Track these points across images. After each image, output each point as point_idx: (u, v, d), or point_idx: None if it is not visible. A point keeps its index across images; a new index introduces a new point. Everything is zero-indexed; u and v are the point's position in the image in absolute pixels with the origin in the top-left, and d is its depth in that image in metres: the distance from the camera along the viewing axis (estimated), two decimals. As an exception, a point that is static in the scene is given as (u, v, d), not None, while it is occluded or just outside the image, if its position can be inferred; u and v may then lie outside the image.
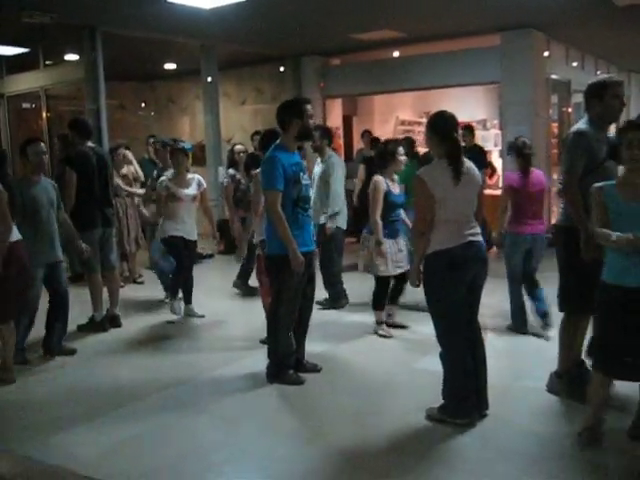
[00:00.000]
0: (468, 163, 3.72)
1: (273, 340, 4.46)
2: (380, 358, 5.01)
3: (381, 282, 5.51)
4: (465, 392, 3.65)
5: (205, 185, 6.35)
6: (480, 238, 3.71)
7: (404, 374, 4.58)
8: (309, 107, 4.37)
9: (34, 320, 5.09)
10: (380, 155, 5.57)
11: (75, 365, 5.02)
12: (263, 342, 4.92)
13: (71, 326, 5.51)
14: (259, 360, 4.74)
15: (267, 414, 4.02)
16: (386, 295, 5.57)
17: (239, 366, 4.90)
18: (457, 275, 3.60)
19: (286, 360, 4.45)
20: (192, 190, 6.14)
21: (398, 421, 3.80)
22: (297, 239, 4.22)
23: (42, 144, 5.10)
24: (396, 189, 5.49)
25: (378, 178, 5.37)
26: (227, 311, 6.46)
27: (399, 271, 5.43)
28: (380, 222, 5.28)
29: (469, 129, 8.92)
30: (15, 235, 4.53)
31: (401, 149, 5.52)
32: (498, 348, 4.91)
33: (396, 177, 5.57)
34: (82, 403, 4.26)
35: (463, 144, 4.41)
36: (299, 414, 4.01)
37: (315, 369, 4.62)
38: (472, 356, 3.68)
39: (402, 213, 5.59)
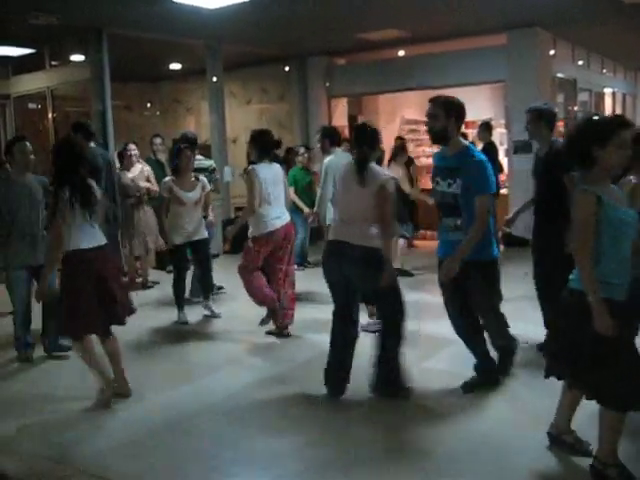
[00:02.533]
0: (375, 170, 4.01)
1: (502, 337, 4.34)
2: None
3: None
4: None
5: (209, 188, 6.35)
6: (356, 241, 3.88)
7: (414, 374, 4.55)
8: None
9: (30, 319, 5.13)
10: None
11: (78, 362, 4.85)
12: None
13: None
14: (266, 360, 4.74)
15: (273, 414, 4.01)
16: None
17: (245, 365, 4.90)
18: None
19: (514, 352, 4.41)
20: (196, 194, 6.08)
21: (405, 424, 3.80)
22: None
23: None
24: None
25: None
26: (234, 310, 6.46)
27: None
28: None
29: (486, 126, 9.15)
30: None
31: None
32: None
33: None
34: (89, 402, 4.25)
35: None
36: (306, 413, 3.99)
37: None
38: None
39: None
